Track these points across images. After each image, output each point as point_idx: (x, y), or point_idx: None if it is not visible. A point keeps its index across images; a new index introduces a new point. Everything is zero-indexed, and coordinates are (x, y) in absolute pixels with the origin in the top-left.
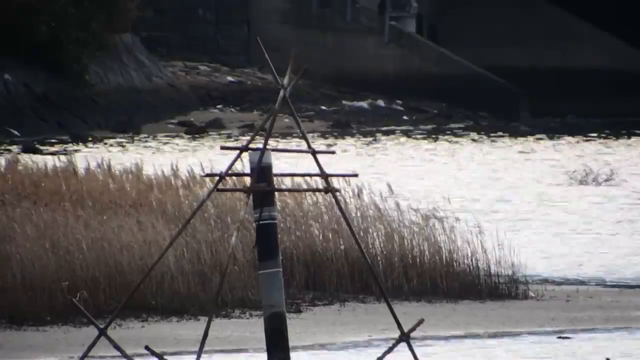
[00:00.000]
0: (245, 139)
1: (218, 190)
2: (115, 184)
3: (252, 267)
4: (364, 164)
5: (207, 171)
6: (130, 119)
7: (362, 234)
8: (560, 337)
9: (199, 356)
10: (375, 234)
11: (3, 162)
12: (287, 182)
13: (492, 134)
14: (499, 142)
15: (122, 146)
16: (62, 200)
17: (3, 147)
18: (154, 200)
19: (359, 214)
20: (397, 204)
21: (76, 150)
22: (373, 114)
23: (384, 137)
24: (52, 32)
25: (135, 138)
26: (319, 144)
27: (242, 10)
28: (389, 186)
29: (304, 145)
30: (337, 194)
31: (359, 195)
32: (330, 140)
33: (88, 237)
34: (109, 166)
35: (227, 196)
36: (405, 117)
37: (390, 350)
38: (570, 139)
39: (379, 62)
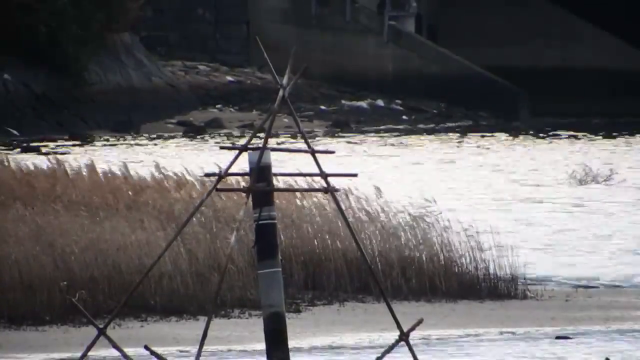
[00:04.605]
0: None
1: (217, 190)
2: (112, 184)
3: (251, 267)
4: (363, 164)
5: (206, 171)
6: (130, 118)
7: (361, 234)
8: (559, 337)
9: (198, 356)
10: (373, 234)
11: None
12: (287, 182)
13: (491, 134)
14: (498, 142)
15: (121, 146)
16: (55, 201)
17: (2, 147)
18: (151, 200)
19: (357, 214)
20: (396, 204)
21: (70, 149)
22: (372, 113)
23: (383, 137)
24: (52, 32)
25: (135, 138)
26: (318, 143)
27: (241, 10)
28: (386, 187)
29: (303, 145)
30: (337, 194)
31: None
32: (329, 140)
33: (84, 238)
34: (105, 166)
35: (226, 196)
36: (404, 117)
37: (389, 350)
38: (569, 138)
39: (379, 61)
